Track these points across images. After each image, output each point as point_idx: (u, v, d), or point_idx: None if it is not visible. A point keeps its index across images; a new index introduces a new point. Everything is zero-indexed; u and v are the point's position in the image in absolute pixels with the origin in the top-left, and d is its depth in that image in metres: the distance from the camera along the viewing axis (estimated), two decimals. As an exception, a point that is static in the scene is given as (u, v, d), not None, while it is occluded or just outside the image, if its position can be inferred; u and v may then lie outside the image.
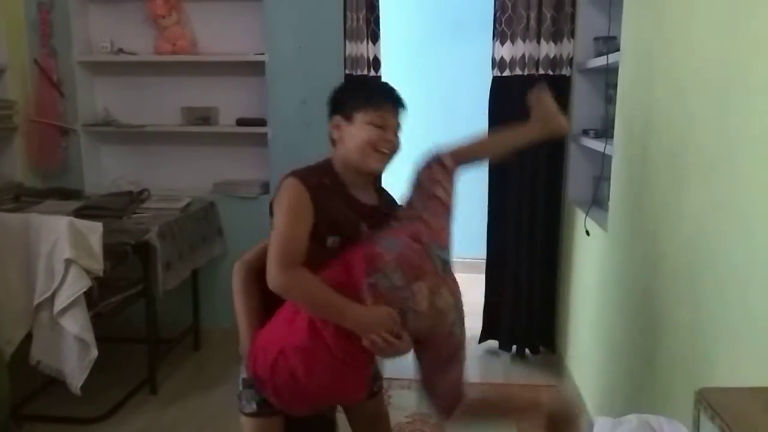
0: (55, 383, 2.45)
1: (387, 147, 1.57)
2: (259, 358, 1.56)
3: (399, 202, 1.68)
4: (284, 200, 1.52)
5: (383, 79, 1.80)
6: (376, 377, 1.79)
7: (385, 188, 1.74)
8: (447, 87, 4.31)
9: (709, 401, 0.89)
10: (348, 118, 1.57)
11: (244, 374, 1.65)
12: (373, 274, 1.45)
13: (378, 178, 1.74)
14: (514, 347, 3.20)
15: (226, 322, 3.36)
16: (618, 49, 2.28)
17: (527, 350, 3.20)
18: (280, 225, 1.51)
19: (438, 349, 1.55)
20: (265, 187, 3.31)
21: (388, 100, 1.59)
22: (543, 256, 3.08)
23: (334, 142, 1.62)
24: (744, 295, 1.29)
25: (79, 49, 3.29)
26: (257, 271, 1.64)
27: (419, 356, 1.58)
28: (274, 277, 1.47)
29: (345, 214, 1.56)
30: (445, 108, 4.25)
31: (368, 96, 1.60)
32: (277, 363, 1.51)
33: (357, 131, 1.56)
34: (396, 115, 1.60)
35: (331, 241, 1.54)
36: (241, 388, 1.66)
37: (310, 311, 1.49)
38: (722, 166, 1.40)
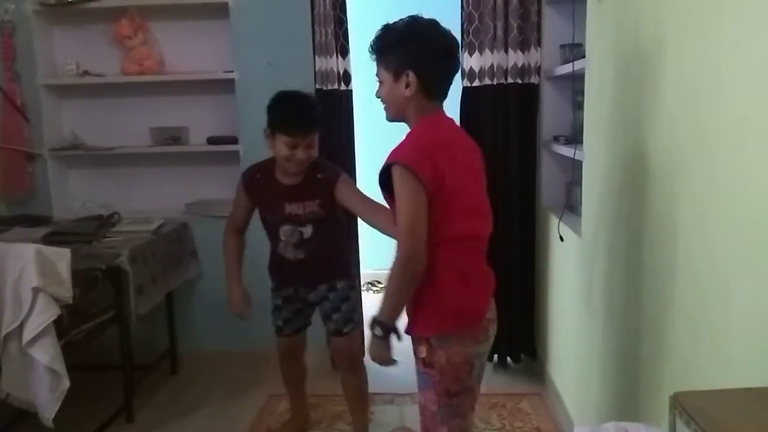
0: (26, 416, 2.37)
1: (296, 163, 2.17)
2: None
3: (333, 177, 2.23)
4: (236, 190, 2.40)
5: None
6: (347, 321, 2.39)
7: (321, 166, 2.25)
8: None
9: (683, 405, 0.89)
10: (271, 134, 2.17)
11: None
12: None
13: (315, 162, 2.24)
14: (495, 356, 3.19)
15: (204, 345, 3.33)
16: (584, 56, 2.30)
17: (509, 358, 3.20)
18: (233, 205, 2.43)
19: None
20: (239, 206, 3.27)
21: (298, 129, 2.12)
22: (520, 262, 3.09)
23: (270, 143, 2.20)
24: (719, 298, 1.29)
25: (44, 72, 3.24)
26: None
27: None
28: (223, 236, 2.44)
29: (270, 199, 2.28)
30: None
31: (283, 123, 2.13)
32: None
33: (277, 145, 2.16)
34: (306, 135, 2.13)
35: (269, 218, 2.32)
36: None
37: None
38: (692, 167, 1.42)
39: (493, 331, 1.68)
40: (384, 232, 2.03)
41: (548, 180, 3.02)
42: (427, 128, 1.60)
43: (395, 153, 1.54)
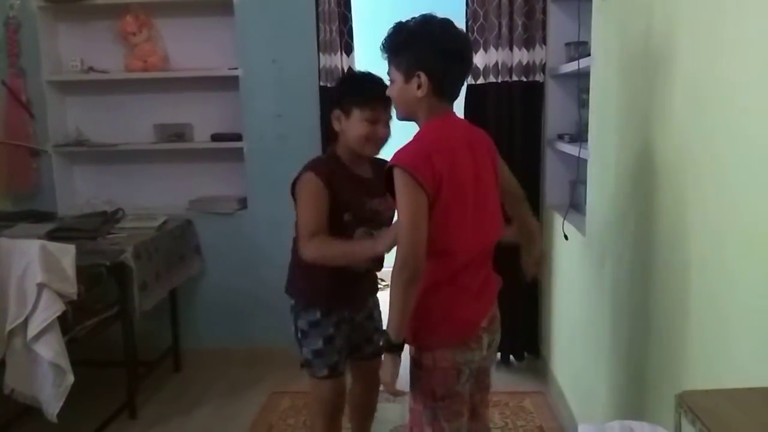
0: (30, 411, 2.38)
1: (378, 140, 1.89)
2: None
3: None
4: (304, 193, 1.88)
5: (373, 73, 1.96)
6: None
7: (379, 159, 1.98)
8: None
9: (689, 405, 0.89)
10: (346, 113, 1.89)
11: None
12: None
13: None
14: (499, 354, 3.19)
15: (207, 342, 3.33)
16: (589, 54, 2.30)
17: (512, 357, 3.20)
18: (302, 216, 1.88)
19: None
20: (243, 203, 3.27)
21: (379, 99, 1.82)
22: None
23: (336, 132, 1.94)
24: (723, 297, 1.29)
25: (49, 68, 3.24)
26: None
27: None
28: (303, 253, 1.85)
29: (353, 192, 1.91)
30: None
31: (363, 95, 1.87)
32: None
33: (354, 126, 1.88)
34: (386, 109, 1.86)
35: (347, 216, 1.90)
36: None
37: (335, 264, 1.89)
38: (697, 166, 1.41)
39: (488, 339, 1.64)
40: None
41: (553, 178, 3.01)
42: (433, 129, 1.58)
43: (398, 155, 1.53)
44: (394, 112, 1.74)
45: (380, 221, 1.95)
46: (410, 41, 1.56)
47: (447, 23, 1.56)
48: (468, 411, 1.67)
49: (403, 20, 1.60)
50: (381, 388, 1.64)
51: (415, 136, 1.60)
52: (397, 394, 1.60)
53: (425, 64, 1.53)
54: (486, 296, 1.66)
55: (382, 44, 1.61)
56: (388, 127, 1.90)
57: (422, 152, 1.51)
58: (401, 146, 1.56)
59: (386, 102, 1.81)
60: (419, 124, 1.61)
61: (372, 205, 1.94)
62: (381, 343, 1.56)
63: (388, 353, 1.54)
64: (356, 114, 1.86)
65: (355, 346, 2.09)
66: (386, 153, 1.95)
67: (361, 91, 1.89)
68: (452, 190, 1.51)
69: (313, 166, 1.93)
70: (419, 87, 1.54)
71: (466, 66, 1.62)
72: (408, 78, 1.56)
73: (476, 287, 1.62)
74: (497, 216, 1.66)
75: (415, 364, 1.61)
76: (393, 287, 1.50)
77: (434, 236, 1.50)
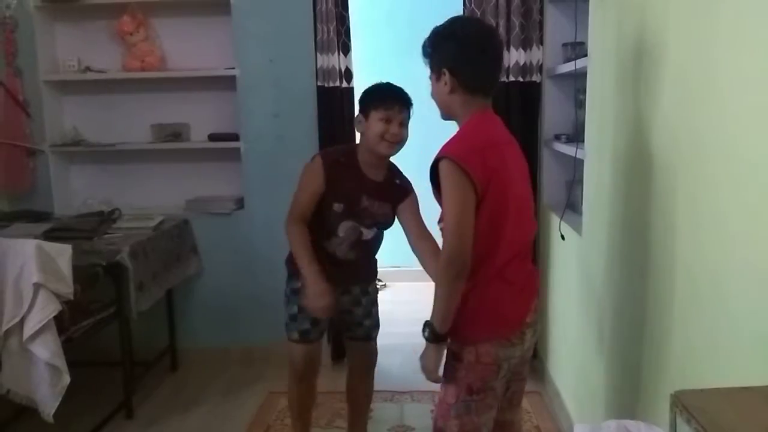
0: (26, 412, 2.38)
1: (392, 137, 2.03)
2: None
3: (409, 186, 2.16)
4: (304, 174, 2.13)
5: (389, 83, 2.15)
6: (376, 326, 2.32)
7: (399, 173, 2.18)
8: (420, 97, 4.32)
9: (684, 404, 0.89)
10: (366, 115, 2.06)
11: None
12: None
13: (394, 166, 2.18)
14: (496, 355, 3.19)
15: (203, 342, 3.33)
16: (586, 55, 2.30)
17: (509, 357, 3.20)
18: (296, 195, 2.13)
19: None
20: (240, 203, 3.27)
21: (394, 101, 2.04)
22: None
23: (360, 134, 2.12)
24: (718, 296, 1.29)
25: (46, 68, 3.24)
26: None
27: None
28: (285, 225, 2.11)
29: (351, 187, 2.09)
30: (419, 118, 4.26)
31: (379, 97, 2.06)
32: None
33: (371, 125, 2.04)
34: (401, 111, 2.04)
35: (337, 206, 2.09)
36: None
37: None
38: (693, 167, 1.41)
39: (531, 334, 1.65)
40: (421, 262, 2.04)
41: (549, 178, 3.01)
42: (478, 124, 1.59)
43: (446, 147, 1.52)
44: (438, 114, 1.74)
45: (370, 220, 2.13)
46: (435, 42, 1.62)
47: (472, 21, 1.71)
48: (505, 402, 1.70)
49: (439, 24, 1.65)
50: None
51: (459, 131, 1.61)
52: (437, 380, 1.64)
53: (448, 61, 1.58)
54: (529, 290, 1.67)
55: (421, 49, 1.70)
56: (403, 128, 2.05)
57: (474, 146, 1.52)
58: (448, 140, 1.57)
59: (401, 104, 2.04)
60: (459, 122, 1.63)
61: (368, 204, 2.10)
62: (425, 335, 1.59)
63: (432, 343, 1.58)
64: (373, 115, 2.04)
65: (346, 326, 2.31)
66: (405, 164, 2.20)
67: (377, 94, 2.08)
68: (501, 187, 1.52)
69: (325, 151, 2.24)
70: (446, 84, 1.58)
71: (490, 59, 1.60)
72: (438, 77, 1.61)
73: (521, 282, 1.63)
74: (532, 211, 1.72)
75: (456, 357, 1.61)
76: (439, 282, 1.52)
77: (482, 232, 1.51)
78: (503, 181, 1.53)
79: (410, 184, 2.19)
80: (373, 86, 2.13)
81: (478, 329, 1.59)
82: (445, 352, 1.63)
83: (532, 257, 1.73)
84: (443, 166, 1.49)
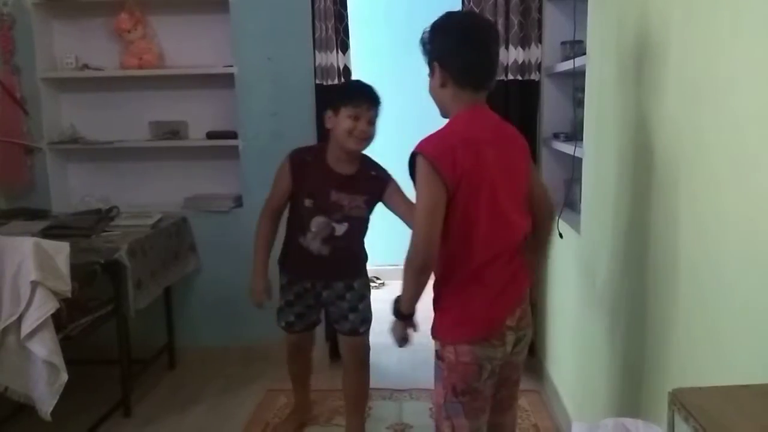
0: (24, 409, 2.37)
1: (360, 134, 2.15)
2: None
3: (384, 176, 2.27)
4: (277, 170, 2.33)
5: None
6: (363, 321, 2.39)
7: (374, 165, 2.29)
8: (419, 94, 4.32)
9: (682, 402, 0.89)
10: (335, 112, 2.17)
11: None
12: None
13: (368, 159, 2.30)
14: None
15: (202, 340, 3.32)
16: (584, 53, 2.30)
17: (507, 355, 3.20)
18: (271, 187, 2.34)
19: None
20: (238, 201, 3.27)
21: (362, 98, 2.15)
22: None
23: (328, 130, 2.22)
24: (717, 295, 1.29)
25: (43, 65, 3.22)
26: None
27: None
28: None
29: (317, 183, 2.23)
30: (417, 115, 4.24)
31: (348, 94, 2.19)
32: None
33: (340, 122, 2.15)
34: (369, 108, 2.15)
35: (307, 202, 2.24)
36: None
37: None
38: (692, 165, 1.41)
39: (514, 337, 1.63)
40: None
41: (548, 177, 3.01)
42: (460, 122, 1.59)
43: (422, 144, 1.55)
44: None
45: (340, 214, 2.24)
46: (429, 37, 1.61)
47: (465, 14, 1.73)
48: (495, 405, 1.69)
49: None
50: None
51: (441, 128, 1.62)
52: (404, 346, 1.74)
53: (437, 54, 1.58)
54: (512, 293, 1.63)
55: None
56: (371, 125, 2.17)
57: (446, 143, 1.53)
58: (427, 135, 1.57)
59: (369, 102, 2.15)
60: (449, 118, 1.64)
61: (337, 198, 2.22)
62: (393, 313, 1.67)
63: (399, 321, 1.67)
64: (342, 111, 2.15)
65: (334, 320, 2.45)
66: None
67: (349, 90, 2.22)
68: (474, 186, 1.52)
69: (292, 151, 2.32)
70: (438, 78, 1.59)
71: (476, 50, 1.57)
72: (431, 72, 1.62)
73: (501, 285, 1.61)
74: (524, 214, 1.66)
75: (438, 356, 1.64)
76: (405, 273, 1.57)
77: (454, 229, 1.53)
78: (477, 180, 1.52)
79: (387, 173, 2.29)
80: (343, 83, 2.27)
81: (453, 331, 1.61)
82: (413, 329, 1.70)
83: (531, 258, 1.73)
84: (417, 161, 1.52)
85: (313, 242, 2.26)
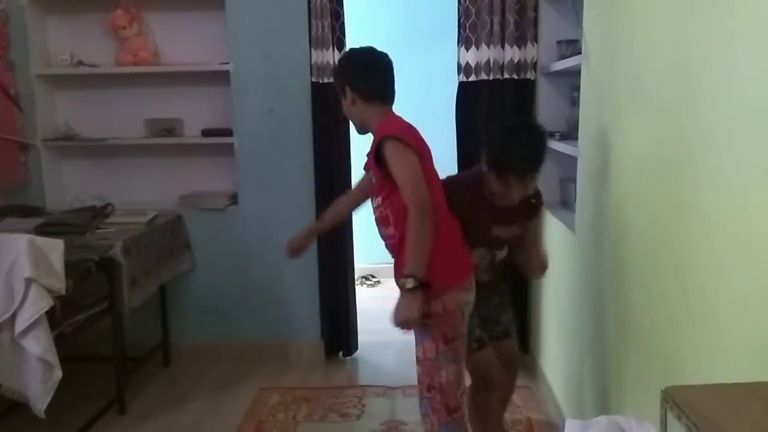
0: (18, 407, 2.37)
1: (507, 202, 1.98)
2: None
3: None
4: None
5: None
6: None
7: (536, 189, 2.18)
8: (414, 93, 4.30)
9: (675, 400, 0.90)
10: (492, 167, 2.03)
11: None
12: None
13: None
14: (488, 351, 3.20)
15: (196, 338, 3.32)
16: (580, 52, 2.30)
17: (501, 353, 3.21)
18: None
19: None
20: (233, 199, 3.26)
21: (526, 168, 1.95)
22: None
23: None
24: (707, 294, 1.30)
25: (38, 62, 3.21)
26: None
27: None
28: None
29: (476, 219, 2.04)
30: (413, 114, 4.26)
31: (509, 161, 1.95)
32: None
33: (491, 177, 2.04)
34: (533, 175, 1.98)
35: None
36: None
37: None
38: (682, 167, 1.42)
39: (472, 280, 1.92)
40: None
41: (542, 176, 3.00)
42: (395, 118, 1.90)
43: (382, 131, 1.80)
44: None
45: (500, 245, 2.14)
46: (338, 68, 2.07)
47: (366, 48, 1.96)
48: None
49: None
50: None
51: (382, 123, 1.87)
52: (416, 323, 1.77)
53: (346, 78, 1.91)
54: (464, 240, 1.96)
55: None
56: (529, 183, 1.99)
57: (401, 127, 1.86)
58: (378, 131, 1.85)
59: (536, 169, 1.97)
60: (371, 127, 1.90)
61: (498, 231, 2.08)
62: (409, 285, 1.70)
63: (414, 292, 1.71)
64: (502, 176, 2.07)
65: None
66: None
67: (511, 157, 1.94)
68: (426, 156, 1.85)
69: (449, 183, 2.19)
70: (349, 98, 1.90)
71: (378, 70, 1.91)
72: (343, 95, 1.92)
73: (460, 234, 1.92)
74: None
75: (425, 315, 1.77)
76: (415, 235, 1.72)
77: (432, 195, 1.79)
78: (426, 151, 1.86)
79: (542, 196, 2.20)
80: (509, 130, 1.99)
81: (442, 279, 1.80)
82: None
83: None
84: (388, 144, 1.76)
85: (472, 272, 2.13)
